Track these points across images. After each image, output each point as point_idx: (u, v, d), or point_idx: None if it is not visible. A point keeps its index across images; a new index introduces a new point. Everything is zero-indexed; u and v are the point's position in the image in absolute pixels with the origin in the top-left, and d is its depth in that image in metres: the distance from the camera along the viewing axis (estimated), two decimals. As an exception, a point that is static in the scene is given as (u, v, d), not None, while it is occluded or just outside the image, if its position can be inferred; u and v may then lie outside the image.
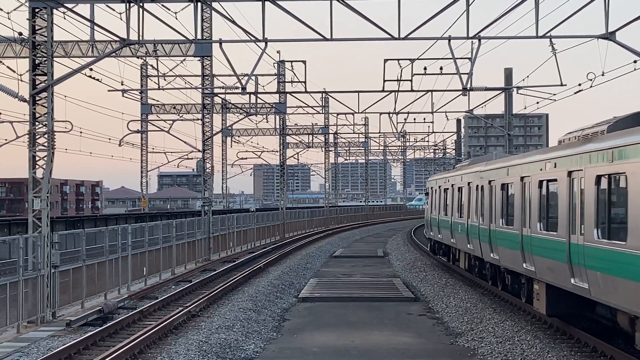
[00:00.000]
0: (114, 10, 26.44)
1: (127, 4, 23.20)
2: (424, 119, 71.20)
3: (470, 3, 23.51)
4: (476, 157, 35.71)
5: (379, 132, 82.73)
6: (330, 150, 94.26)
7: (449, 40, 25.58)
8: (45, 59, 24.07)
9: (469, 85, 29.90)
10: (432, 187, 39.54)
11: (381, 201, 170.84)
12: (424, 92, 38.70)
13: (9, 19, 25.58)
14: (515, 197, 21.57)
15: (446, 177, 34.62)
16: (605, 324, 18.09)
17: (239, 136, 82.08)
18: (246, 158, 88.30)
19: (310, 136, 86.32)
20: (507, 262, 22.67)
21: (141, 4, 22.93)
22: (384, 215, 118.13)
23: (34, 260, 22.09)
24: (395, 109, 44.00)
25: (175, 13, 28.67)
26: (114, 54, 30.71)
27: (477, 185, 27.16)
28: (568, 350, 17.31)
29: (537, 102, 39.12)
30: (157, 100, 66.16)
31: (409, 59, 33.52)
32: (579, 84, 31.73)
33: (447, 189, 33.78)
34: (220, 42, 25.05)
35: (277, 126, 71.42)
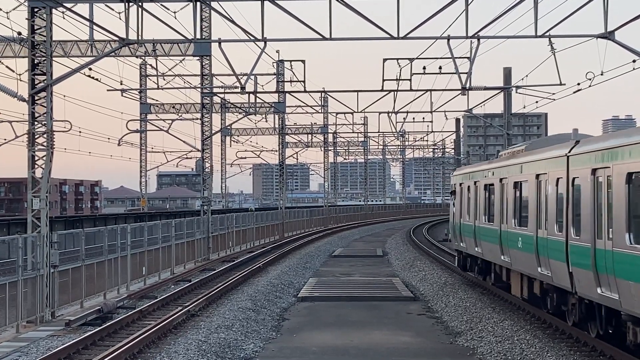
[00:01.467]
0: (113, 9, 26.43)
1: (126, 4, 23.19)
2: (423, 118, 71.44)
3: (469, 2, 23.52)
4: (534, 140, 24.31)
5: (378, 132, 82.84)
6: (330, 150, 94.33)
7: (448, 40, 25.59)
8: (44, 58, 24.06)
9: (468, 85, 29.92)
10: (460, 184, 30.47)
11: (380, 201, 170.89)
12: (423, 92, 38.70)
13: (8, 18, 25.57)
14: None
15: (488, 169, 25.81)
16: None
17: (238, 136, 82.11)
18: (245, 157, 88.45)
19: (310, 135, 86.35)
20: None
21: (140, 4, 22.93)
22: (383, 214, 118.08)
23: (33, 260, 22.08)
24: (394, 108, 43.99)
25: (175, 12, 28.67)
26: (113, 53, 30.70)
27: (558, 179, 18.28)
28: (567, 350, 17.31)
29: (536, 102, 39.13)
30: (156, 100, 66.21)
31: (408, 59, 33.52)
32: (578, 84, 31.75)
33: (491, 185, 25.14)
34: (220, 41, 25.05)
35: (276, 126, 71.42)
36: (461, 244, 30.36)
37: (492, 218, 24.91)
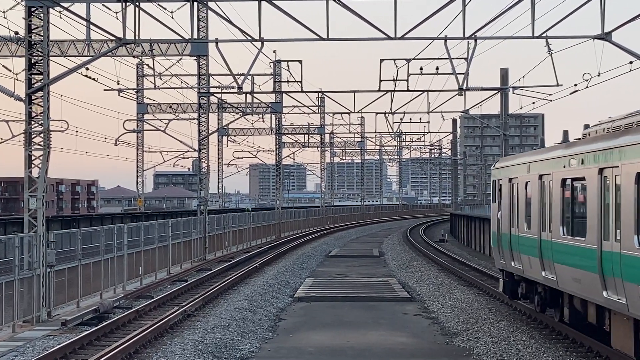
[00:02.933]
0: (110, 9, 26.43)
1: (123, 3, 23.18)
2: (420, 118, 71.38)
3: (466, 3, 23.55)
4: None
5: (375, 132, 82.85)
6: (326, 150, 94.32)
7: (445, 40, 25.62)
8: (41, 58, 24.05)
9: (465, 85, 29.92)
10: (511, 180, 22.12)
11: (377, 201, 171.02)
12: (420, 92, 38.73)
13: (5, 18, 25.59)
14: None
15: (571, 155, 17.26)
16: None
17: (235, 136, 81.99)
18: (242, 158, 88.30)
19: (306, 136, 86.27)
20: None
21: (137, 3, 22.92)
22: (380, 215, 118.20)
23: (29, 260, 22.06)
24: (391, 108, 44.00)
25: (172, 12, 28.71)
26: (110, 53, 30.69)
27: None
28: (563, 351, 17.33)
29: (533, 102, 39.17)
30: (153, 100, 66.09)
31: (405, 59, 33.51)
32: (575, 85, 31.80)
33: (578, 179, 16.93)
34: (217, 41, 25.06)
35: (273, 126, 71.41)
36: (512, 263, 21.78)
37: (580, 231, 16.64)
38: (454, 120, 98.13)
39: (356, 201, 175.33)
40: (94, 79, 35.64)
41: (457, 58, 30.50)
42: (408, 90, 34.87)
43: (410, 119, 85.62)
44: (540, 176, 19.36)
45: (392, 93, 37.00)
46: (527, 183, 20.46)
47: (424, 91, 38.78)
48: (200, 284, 30.84)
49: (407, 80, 34.00)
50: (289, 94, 44.63)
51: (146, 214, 66.22)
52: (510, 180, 22.11)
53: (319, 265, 40.68)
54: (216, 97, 56.65)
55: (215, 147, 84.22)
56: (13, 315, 20.60)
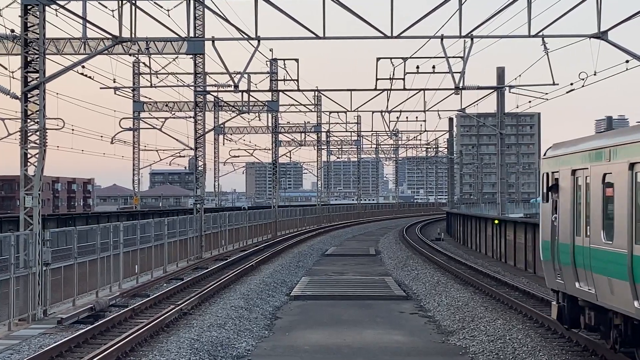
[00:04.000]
0: (106, 7, 26.40)
1: (120, 1, 23.17)
2: (416, 117, 71.33)
3: (462, 2, 23.57)
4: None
5: (371, 131, 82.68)
6: (323, 149, 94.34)
7: (442, 39, 25.64)
8: (37, 56, 24.02)
9: (461, 84, 29.96)
10: (574, 172, 16.28)
11: (373, 200, 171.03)
12: (417, 91, 38.75)
13: (1, 15, 25.53)
14: None
15: None
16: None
17: (231, 134, 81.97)
18: (238, 156, 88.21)
19: (303, 134, 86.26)
20: None
21: (133, 2, 22.90)
22: (376, 214, 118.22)
23: (25, 258, 22.03)
24: (387, 107, 44.00)
25: (168, 10, 28.68)
26: (106, 51, 30.66)
27: None
28: (559, 349, 17.34)
29: (529, 101, 39.26)
30: (150, 98, 66.02)
31: (402, 58, 33.53)
32: (571, 84, 31.89)
33: None
34: (213, 39, 25.05)
35: (270, 124, 71.41)
36: (577, 285, 15.99)
37: None
38: (450, 119, 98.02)
39: (353, 200, 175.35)
40: (90, 77, 35.61)
41: (453, 57, 30.54)
42: (404, 89, 34.93)
43: (407, 117, 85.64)
44: (632, 165, 13.48)
45: (389, 92, 37.03)
46: (604, 175, 14.71)
47: (420, 90, 38.81)
48: (196, 282, 30.83)
49: (403, 79, 34.03)
50: (285, 92, 44.66)
51: (142, 212, 66.13)
52: (573, 172, 16.30)
53: (315, 263, 40.68)
54: (212, 95, 56.63)
55: (212, 146, 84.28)
56: (9, 314, 20.58)
